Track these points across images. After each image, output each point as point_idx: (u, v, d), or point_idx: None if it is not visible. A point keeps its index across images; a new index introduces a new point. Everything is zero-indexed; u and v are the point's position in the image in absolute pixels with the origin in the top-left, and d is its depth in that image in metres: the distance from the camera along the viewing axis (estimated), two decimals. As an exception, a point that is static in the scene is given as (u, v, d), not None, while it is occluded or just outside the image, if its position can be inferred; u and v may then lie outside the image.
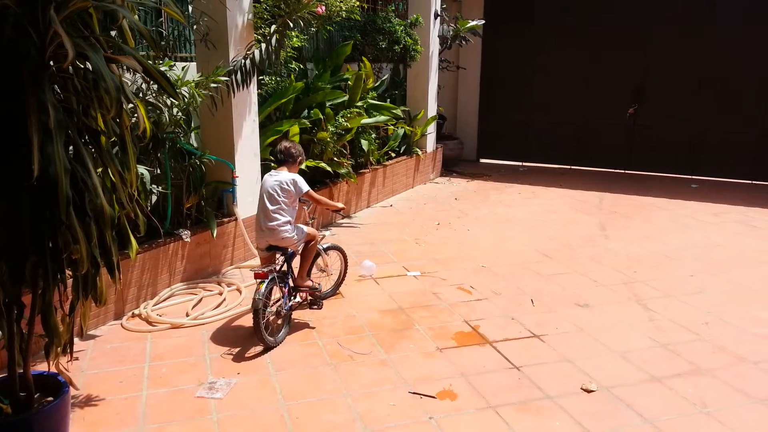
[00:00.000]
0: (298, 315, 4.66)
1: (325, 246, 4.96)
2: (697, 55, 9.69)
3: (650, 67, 10.05)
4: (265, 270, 4.14)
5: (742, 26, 9.37)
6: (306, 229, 4.54)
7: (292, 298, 4.49)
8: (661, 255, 6.25)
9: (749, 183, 9.72)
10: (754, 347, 4.25)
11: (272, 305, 4.25)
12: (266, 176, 4.47)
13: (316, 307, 4.83)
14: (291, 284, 4.47)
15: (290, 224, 4.35)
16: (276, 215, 4.29)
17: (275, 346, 4.18)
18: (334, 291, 5.14)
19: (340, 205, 4.81)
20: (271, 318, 4.26)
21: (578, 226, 7.29)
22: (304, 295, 4.73)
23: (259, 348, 4.15)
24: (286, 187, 4.34)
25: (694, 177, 10.09)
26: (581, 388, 3.69)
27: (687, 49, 9.73)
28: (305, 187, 4.42)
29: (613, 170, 10.64)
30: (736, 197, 8.74)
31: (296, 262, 4.61)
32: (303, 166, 6.37)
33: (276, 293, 4.33)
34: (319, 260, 4.90)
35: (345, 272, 5.23)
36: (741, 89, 9.56)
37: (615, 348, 4.22)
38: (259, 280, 4.11)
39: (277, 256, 4.44)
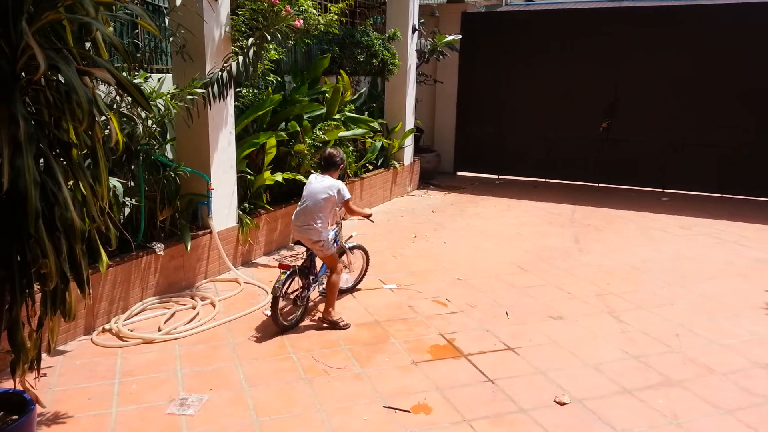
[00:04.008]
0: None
1: (350, 245, 5.35)
2: (667, 73, 9.92)
3: (621, 84, 10.26)
4: (286, 262, 4.75)
5: (710, 46, 9.63)
6: (334, 248, 4.79)
7: (311, 290, 4.86)
8: (633, 267, 6.36)
9: (717, 196, 9.95)
10: (723, 358, 4.33)
11: (291, 294, 4.69)
12: (311, 178, 4.79)
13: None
14: (312, 276, 4.86)
15: (322, 228, 4.64)
16: (313, 217, 4.61)
17: (289, 329, 4.64)
18: (354, 286, 5.52)
19: (369, 211, 5.23)
20: (288, 307, 4.77)
21: (552, 239, 7.39)
22: (321, 287, 5.08)
23: (231, 364, 4.11)
24: (331, 193, 4.63)
25: (664, 190, 10.30)
26: (554, 401, 3.72)
27: (656, 67, 9.96)
28: (347, 195, 4.74)
29: (585, 183, 10.81)
30: (704, 210, 8.94)
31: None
32: (279, 179, 6.41)
33: (295, 284, 4.73)
34: (344, 257, 5.22)
35: (366, 270, 5.59)
36: (708, 106, 9.81)
37: (588, 360, 4.27)
38: (281, 271, 4.57)
39: (304, 251, 4.90)
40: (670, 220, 8.39)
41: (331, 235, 4.78)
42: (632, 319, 5.00)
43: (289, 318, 4.70)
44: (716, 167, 9.94)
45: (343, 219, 5.18)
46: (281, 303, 4.52)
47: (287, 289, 4.59)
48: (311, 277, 4.83)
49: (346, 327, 4.74)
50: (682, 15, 9.82)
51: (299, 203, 4.72)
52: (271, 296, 4.57)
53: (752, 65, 9.47)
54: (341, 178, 7.88)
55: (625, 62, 10.17)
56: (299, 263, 4.82)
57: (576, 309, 5.21)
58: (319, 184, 4.66)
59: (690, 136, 10.00)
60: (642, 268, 6.33)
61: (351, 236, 5.61)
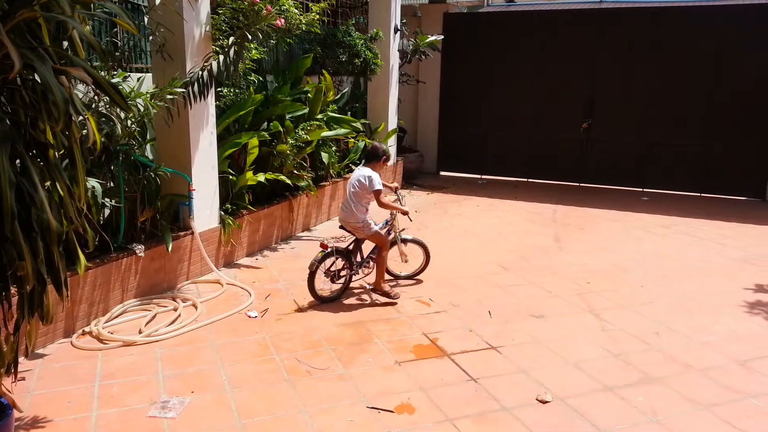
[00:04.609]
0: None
1: (405, 237, 5.66)
2: (645, 74, 10.05)
3: (600, 84, 10.36)
4: (327, 243, 5.12)
5: (687, 48, 9.77)
6: (375, 228, 5.18)
7: (353, 272, 5.28)
8: (614, 266, 6.42)
9: (696, 195, 10.10)
10: (701, 355, 4.40)
11: (328, 271, 5.14)
12: (356, 169, 5.25)
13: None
14: (357, 260, 5.32)
15: (359, 212, 5.09)
16: (350, 202, 5.11)
17: (327, 301, 5.14)
18: (411, 277, 5.83)
19: (405, 208, 5.38)
20: (325, 286, 5.18)
21: (534, 238, 7.44)
22: (365, 270, 5.43)
23: (214, 366, 4.08)
24: (363, 181, 5.06)
25: (644, 190, 10.43)
26: (536, 399, 3.74)
27: (635, 68, 10.08)
28: (377, 186, 5.04)
29: (567, 183, 10.91)
30: (684, 209, 9.07)
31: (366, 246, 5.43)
32: (262, 179, 6.38)
33: (336, 264, 5.17)
34: (397, 248, 5.56)
35: (426, 264, 5.84)
36: (685, 106, 9.95)
37: (569, 358, 4.30)
38: (320, 249, 5.05)
39: (345, 235, 5.40)
40: (650, 219, 8.49)
41: (373, 223, 5.18)
42: (613, 318, 5.05)
43: (328, 293, 5.19)
44: (694, 167, 10.08)
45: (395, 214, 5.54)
46: (321, 278, 5.11)
47: (330, 266, 5.15)
48: (355, 261, 5.27)
49: (395, 297, 5.24)
50: (660, 16, 9.95)
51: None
52: (308, 269, 5.08)
53: (729, 67, 9.62)
54: (323, 178, 7.97)
55: (603, 62, 10.28)
56: (339, 245, 5.31)
57: (557, 308, 5.25)
58: (357, 173, 5.15)
59: (669, 136, 10.13)
60: (623, 267, 6.40)
61: (403, 229, 5.77)
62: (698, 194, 10.13)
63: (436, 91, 11.47)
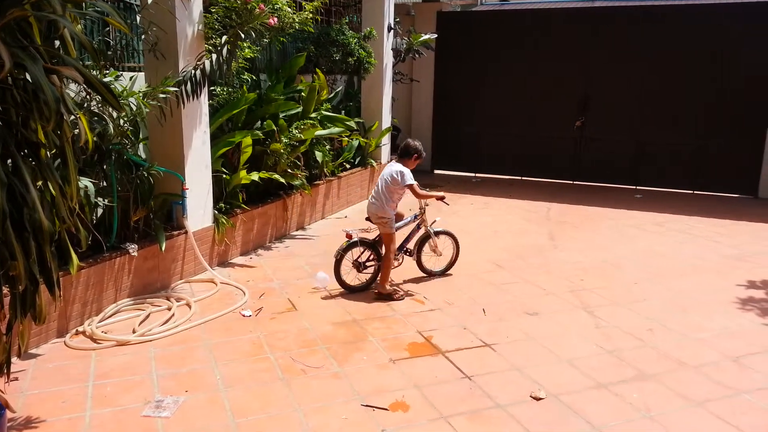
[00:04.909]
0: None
1: (436, 230, 5.71)
2: (638, 72, 10.08)
3: (594, 82, 10.40)
4: (352, 233, 5.27)
5: (680, 46, 9.81)
6: (393, 229, 5.29)
7: (375, 262, 5.43)
8: (607, 264, 6.45)
9: (689, 193, 10.15)
10: (694, 352, 4.42)
11: (354, 260, 5.37)
12: (387, 164, 5.48)
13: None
14: (380, 253, 5.41)
15: (388, 208, 5.23)
16: (381, 196, 5.23)
17: (355, 291, 5.37)
18: (444, 272, 5.91)
19: (441, 194, 5.48)
20: (350, 273, 5.39)
21: (528, 236, 7.46)
22: (390, 262, 5.41)
23: (208, 365, 4.08)
24: (396, 176, 5.19)
25: (638, 188, 10.47)
26: (530, 396, 3.75)
27: (628, 66, 10.11)
28: (409, 180, 5.19)
29: (561, 181, 10.93)
30: (677, 207, 9.11)
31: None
32: (256, 178, 6.37)
33: (358, 254, 5.38)
34: (430, 242, 5.69)
35: (456, 255, 5.94)
36: (679, 104, 10.00)
37: (563, 355, 4.32)
38: (346, 239, 5.24)
39: (371, 227, 5.47)
40: (644, 217, 8.53)
41: (393, 222, 5.30)
42: (606, 315, 5.07)
43: (355, 282, 5.40)
44: (687, 165, 10.13)
45: (426, 205, 5.66)
46: (346, 268, 5.33)
47: (357, 257, 5.37)
48: (381, 253, 5.40)
49: (400, 299, 5.27)
50: (654, 15, 10.00)
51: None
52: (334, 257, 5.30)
53: (722, 66, 9.66)
54: (317, 177, 7.96)
55: (597, 61, 10.31)
56: (364, 236, 5.43)
57: (551, 305, 5.27)
58: (389, 168, 5.30)
59: (662, 135, 10.18)
60: (616, 265, 6.43)
61: (435, 221, 5.81)
62: (691, 192, 10.18)
63: (430, 89, 11.48)
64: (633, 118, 10.28)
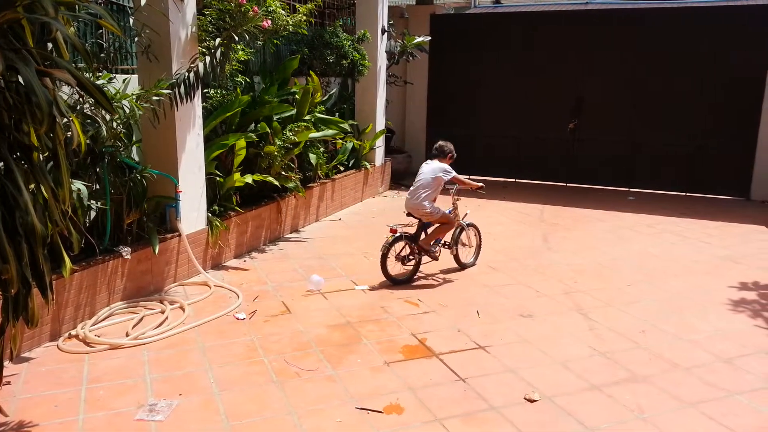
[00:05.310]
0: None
1: (466, 222, 6.16)
2: (631, 74, 10.14)
3: (587, 85, 10.45)
4: (396, 228, 5.62)
5: (673, 48, 9.87)
6: (444, 211, 5.79)
7: (420, 255, 5.79)
8: (601, 265, 6.47)
9: (681, 195, 10.20)
10: (687, 353, 4.44)
11: (398, 254, 5.69)
12: (423, 164, 5.92)
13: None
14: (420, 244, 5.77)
15: (429, 201, 5.65)
16: (421, 192, 5.66)
17: (400, 283, 5.66)
18: (474, 262, 6.33)
19: (480, 184, 5.98)
20: (396, 266, 5.70)
21: (522, 238, 7.48)
22: (433, 255, 5.90)
23: (201, 368, 4.07)
24: (439, 173, 5.70)
25: (630, 189, 10.51)
26: (524, 398, 3.76)
27: (620, 68, 10.17)
28: (452, 173, 5.78)
29: (554, 183, 10.97)
30: (670, 209, 9.15)
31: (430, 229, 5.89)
32: (249, 180, 6.36)
33: (401, 248, 5.70)
34: (463, 235, 6.15)
35: (480, 246, 6.40)
36: (671, 107, 10.06)
37: (557, 357, 4.33)
38: (390, 234, 5.58)
39: (412, 221, 5.83)
40: (637, 218, 8.56)
41: (437, 208, 5.71)
42: (600, 317, 5.09)
43: (400, 275, 5.72)
44: (680, 167, 10.18)
45: (458, 200, 6.07)
46: (392, 262, 5.65)
47: (401, 251, 5.69)
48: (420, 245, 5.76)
49: (435, 258, 5.90)
50: (646, 17, 10.05)
51: (413, 184, 5.80)
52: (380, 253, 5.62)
53: (715, 68, 9.72)
54: (311, 179, 7.95)
55: (590, 63, 10.36)
56: (407, 231, 5.72)
57: (545, 307, 5.28)
58: (429, 167, 5.79)
59: (655, 137, 10.23)
60: (610, 266, 6.45)
61: (466, 214, 6.25)
62: (684, 194, 10.23)
63: (424, 92, 11.50)
64: (626, 121, 10.33)
